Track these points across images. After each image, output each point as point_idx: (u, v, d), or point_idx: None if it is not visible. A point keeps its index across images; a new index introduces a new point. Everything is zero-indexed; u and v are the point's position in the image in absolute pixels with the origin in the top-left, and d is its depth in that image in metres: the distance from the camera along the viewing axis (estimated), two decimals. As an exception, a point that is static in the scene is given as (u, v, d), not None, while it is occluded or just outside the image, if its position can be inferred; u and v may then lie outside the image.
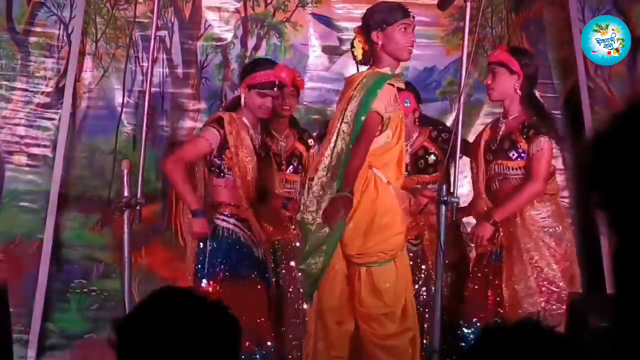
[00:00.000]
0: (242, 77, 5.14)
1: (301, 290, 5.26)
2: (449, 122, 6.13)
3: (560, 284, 4.90)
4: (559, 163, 5.84)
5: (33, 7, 6.15)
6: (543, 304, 4.85)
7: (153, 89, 5.73)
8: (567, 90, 6.39)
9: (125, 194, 4.47)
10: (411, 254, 5.15)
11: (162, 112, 6.25)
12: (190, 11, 6.31)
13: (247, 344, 4.73)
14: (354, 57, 4.67)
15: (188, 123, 6.19)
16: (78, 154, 6.15)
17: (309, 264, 4.54)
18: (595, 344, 1.65)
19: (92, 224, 6.16)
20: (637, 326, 1.40)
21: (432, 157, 5.51)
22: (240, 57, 6.27)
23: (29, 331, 5.95)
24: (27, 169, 6.11)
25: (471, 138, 5.66)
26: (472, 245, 5.34)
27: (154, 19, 4.77)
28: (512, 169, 5.02)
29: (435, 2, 4.79)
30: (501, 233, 4.98)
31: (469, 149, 5.25)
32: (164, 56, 6.25)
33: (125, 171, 4.46)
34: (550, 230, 4.97)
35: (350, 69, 6.25)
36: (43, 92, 6.12)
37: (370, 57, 4.61)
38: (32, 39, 6.13)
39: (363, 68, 4.66)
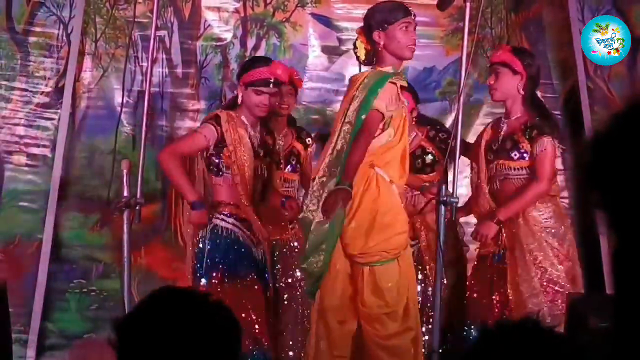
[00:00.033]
0: (239, 75, 5.14)
1: (300, 290, 5.27)
2: (448, 122, 6.13)
3: (564, 284, 4.91)
4: (558, 163, 5.84)
5: (32, 7, 6.14)
6: (548, 304, 4.85)
7: (152, 89, 5.72)
8: (567, 91, 6.39)
9: (125, 194, 4.47)
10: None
11: (161, 112, 6.24)
12: (189, 11, 6.30)
13: (247, 342, 4.73)
14: (357, 58, 4.68)
15: (187, 123, 6.19)
16: (77, 153, 6.15)
17: (310, 262, 4.55)
18: (595, 344, 1.65)
19: (91, 223, 6.16)
20: (637, 326, 1.41)
21: (429, 157, 5.51)
22: (240, 57, 6.26)
23: (29, 331, 5.94)
24: (26, 168, 6.11)
25: (471, 138, 5.66)
26: (471, 245, 5.34)
27: (154, 18, 4.78)
28: (514, 169, 5.03)
29: (435, 2, 4.79)
30: (504, 234, 4.99)
31: (468, 150, 5.25)
32: (164, 56, 6.25)
33: (125, 171, 4.46)
34: (553, 230, 4.98)
35: (350, 69, 6.27)
36: (42, 92, 6.12)
37: (373, 57, 4.61)
38: (32, 39, 6.13)
39: (366, 69, 4.67)
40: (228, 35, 6.33)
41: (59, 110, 6.08)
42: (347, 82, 6.24)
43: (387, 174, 4.51)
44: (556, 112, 6.05)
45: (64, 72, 6.10)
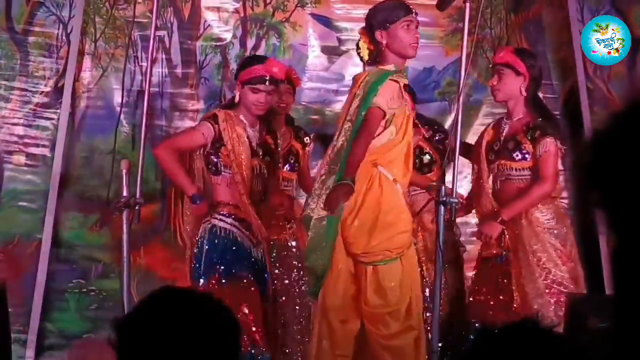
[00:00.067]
0: (236, 74, 5.15)
1: (297, 290, 5.26)
2: (447, 123, 6.14)
3: (568, 284, 4.92)
4: (559, 164, 5.84)
5: (32, 6, 6.14)
6: (553, 305, 4.85)
7: (152, 89, 5.72)
8: (566, 91, 6.39)
9: (124, 193, 4.47)
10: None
11: (161, 112, 6.24)
12: (189, 11, 6.30)
13: (244, 344, 4.73)
14: (361, 59, 4.69)
15: (187, 123, 6.18)
16: (77, 153, 6.15)
17: (312, 261, 4.56)
18: (595, 345, 1.65)
19: (91, 223, 6.16)
20: (636, 326, 1.40)
21: (426, 157, 5.51)
22: (240, 57, 6.25)
23: (28, 331, 5.94)
24: (26, 168, 6.11)
25: (470, 138, 5.66)
26: (468, 246, 5.35)
27: (153, 18, 4.78)
28: (516, 169, 5.03)
29: (435, 2, 4.79)
30: (507, 236, 4.99)
31: (470, 151, 5.26)
32: (163, 56, 6.25)
33: (124, 171, 4.46)
34: (555, 231, 4.99)
35: (350, 69, 6.28)
36: (42, 91, 6.12)
37: (376, 57, 4.62)
38: (31, 39, 6.13)
39: (370, 69, 4.68)
40: (228, 36, 6.33)
41: (58, 110, 6.08)
42: (346, 82, 6.29)
43: (391, 172, 4.52)
44: (556, 113, 6.05)
45: (64, 72, 6.09)
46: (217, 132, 4.92)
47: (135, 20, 5.62)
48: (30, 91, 6.11)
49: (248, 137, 4.99)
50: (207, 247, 4.92)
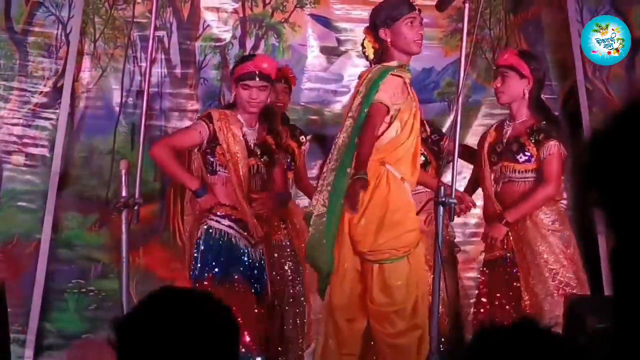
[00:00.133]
0: (231, 75, 5.15)
1: (291, 290, 5.25)
2: (447, 123, 6.14)
3: (574, 285, 4.93)
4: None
5: (31, 6, 6.14)
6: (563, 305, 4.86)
7: (151, 89, 5.71)
8: (566, 92, 6.40)
9: (123, 194, 4.46)
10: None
11: (160, 112, 6.24)
12: (188, 11, 6.30)
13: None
14: (366, 58, 4.71)
15: (186, 123, 6.16)
16: (76, 153, 6.14)
17: (312, 258, 4.57)
18: (594, 345, 1.65)
19: (90, 223, 6.15)
20: (636, 326, 1.41)
21: (421, 158, 5.51)
22: (239, 57, 6.26)
23: (27, 331, 5.94)
24: (25, 168, 6.11)
25: (469, 139, 5.66)
26: (467, 246, 5.35)
27: (152, 19, 4.77)
28: (519, 172, 5.04)
29: (434, 3, 4.80)
30: (510, 237, 5.00)
31: (466, 152, 5.26)
32: (162, 56, 6.25)
33: (123, 171, 4.45)
34: (559, 233, 5.01)
35: (349, 70, 6.29)
36: (41, 92, 6.11)
37: (382, 56, 4.64)
38: (31, 39, 6.13)
39: None
40: (227, 36, 6.33)
41: (57, 110, 6.08)
42: (345, 82, 6.31)
43: (399, 170, 4.53)
44: (555, 113, 6.05)
45: (63, 72, 6.09)
46: (212, 131, 4.92)
47: (135, 20, 5.62)
48: (30, 91, 6.11)
49: (245, 137, 4.99)
50: (202, 248, 4.93)
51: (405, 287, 4.52)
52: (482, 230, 5.33)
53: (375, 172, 4.46)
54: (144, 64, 6.00)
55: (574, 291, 4.89)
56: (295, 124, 5.73)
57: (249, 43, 6.33)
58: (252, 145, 5.01)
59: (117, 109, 5.57)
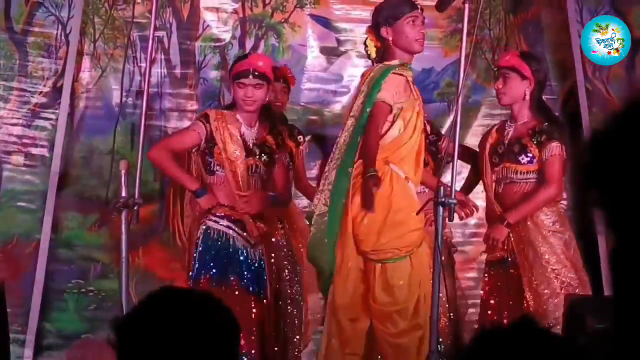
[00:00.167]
0: (229, 74, 5.16)
1: (289, 290, 5.25)
2: (447, 124, 6.15)
3: (576, 285, 4.93)
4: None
5: (31, 7, 6.14)
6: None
7: (151, 89, 5.71)
8: (565, 92, 6.40)
9: (123, 194, 4.46)
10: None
11: (160, 112, 6.24)
12: (188, 12, 6.30)
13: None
14: (369, 57, 4.72)
15: (186, 123, 6.16)
16: (76, 154, 6.14)
17: (314, 257, 4.58)
18: (593, 345, 1.65)
19: (89, 224, 6.15)
20: (636, 326, 1.40)
21: None
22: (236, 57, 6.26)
23: (26, 331, 5.94)
24: (24, 169, 6.11)
25: (469, 140, 5.66)
26: (466, 247, 5.35)
27: (152, 19, 4.77)
28: (520, 173, 5.04)
29: (434, 3, 4.80)
30: (511, 238, 5.00)
31: (465, 153, 5.26)
32: (162, 56, 6.25)
33: (123, 171, 4.45)
34: (559, 235, 5.01)
35: (349, 70, 6.29)
36: (41, 92, 6.11)
37: (384, 55, 4.65)
38: (30, 39, 6.13)
39: None
40: (227, 36, 6.33)
41: (57, 111, 6.08)
42: (345, 82, 6.31)
43: (402, 170, 4.53)
44: (555, 114, 6.05)
45: (63, 72, 6.09)
46: (209, 131, 4.93)
47: (134, 20, 5.61)
48: (29, 91, 6.11)
49: (243, 136, 4.99)
50: (200, 248, 4.93)
51: (408, 287, 4.52)
52: (482, 230, 5.33)
53: (379, 171, 4.47)
54: (143, 64, 5.99)
55: (577, 291, 4.89)
56: (295, 124, 5.72)
57: (249, 43, 6.33)
58: (250, 144, 5.01)
59: (117, 109, 5.57)
